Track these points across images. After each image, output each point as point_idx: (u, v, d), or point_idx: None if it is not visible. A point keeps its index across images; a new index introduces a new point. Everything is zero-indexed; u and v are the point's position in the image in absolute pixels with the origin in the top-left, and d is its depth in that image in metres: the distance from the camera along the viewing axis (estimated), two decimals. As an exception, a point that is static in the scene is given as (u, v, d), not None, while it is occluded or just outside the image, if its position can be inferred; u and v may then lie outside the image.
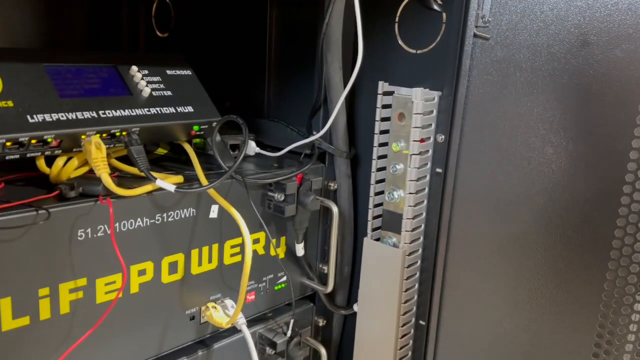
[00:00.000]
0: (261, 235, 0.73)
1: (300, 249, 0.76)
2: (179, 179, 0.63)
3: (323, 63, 0.71)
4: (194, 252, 0.66)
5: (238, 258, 0.71)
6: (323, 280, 0.82)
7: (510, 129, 0.67)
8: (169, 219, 0.63)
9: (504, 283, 0.72)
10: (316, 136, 0.72)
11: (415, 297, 0.81)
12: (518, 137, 0.67)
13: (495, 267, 0.72)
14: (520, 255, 0.70)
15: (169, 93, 0.66)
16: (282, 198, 0.70)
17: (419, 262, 0.79)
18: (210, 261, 0.68)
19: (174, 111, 0.65)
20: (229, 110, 0.73)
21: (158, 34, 1.11)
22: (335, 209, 0.75)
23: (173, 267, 0.65)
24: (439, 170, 0.74)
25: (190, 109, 0.66)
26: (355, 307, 0.83)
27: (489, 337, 0.74)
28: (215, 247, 0.68)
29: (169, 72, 0.68)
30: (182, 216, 0.64)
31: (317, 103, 0.79)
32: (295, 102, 0.87)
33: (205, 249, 0.67)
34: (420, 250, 0.79)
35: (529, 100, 0.66)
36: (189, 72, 0.70)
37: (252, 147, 0.77)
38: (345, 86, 0.70)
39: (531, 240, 0.69)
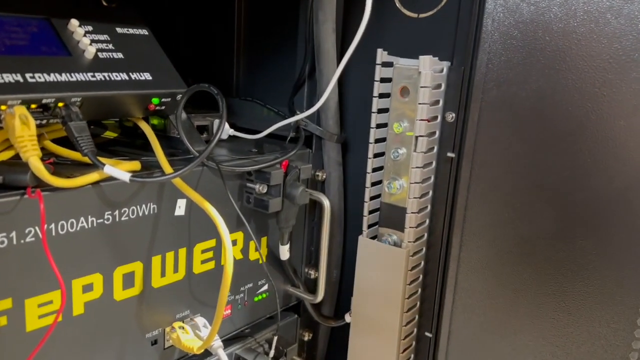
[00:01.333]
0: (238, 236, 0.59)
1: (285, 252, 0.63)
2: (135, 165, 0.49)
3: (313, 24, 0.59)
4: (156, 260, 0.52)
5: (211, 265, 0.57)
6: (310, 287, 0.70)
7: (537, 102, 0.57)
8: (123, 218, 0.48)
9: (527, 287, 0.61)
10: (303, 115, 0.59)
11: (418, 304, 0.69)
12: (546, 113, 0.56)
13: (516, 268, 0.61)
14: (546, 254, 0.60)
15: (120, 55, 0.51)
16: (265, 190, 0.57)
17: (422, 264, 0.68)
18: (176, 270, 0.54)
19: (127, 78, 0.50)
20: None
21: (103, 2, 0.94)
22: (326, 203, 0.62)
23: (129, 280, 0.50)
24: (450, 154, 0.62)
25: (147, 76, 0.52)
26: (347, 318, 0.71)
27: (508, 349, 0.63)
28: (182, 252, 0.54)
29: (119, 30, 0.53)
30: (140, 214, 0.49)
31: (302, 76, 0.66)
32: (273, 76, 0.73)
33: (169, 256, 0.53)
34: (424, 250, 0.67)
35: (560, 68, 0.55)
36: (144, 32, 0.55)
37: (225, 129, 0.63)
38: (340, 54, 0.57)
39: (561, 236, 0.58)
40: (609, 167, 0.55)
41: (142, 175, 0.47)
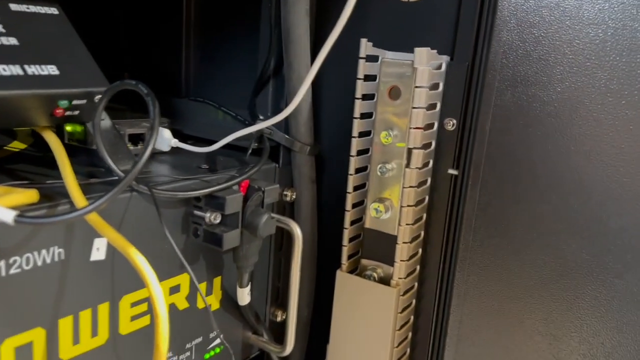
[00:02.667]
0: (182, 280, 0.46)
1: (244, 296, 0.49)
2: (29, 196, 0.34)
3: (280, 4, 0.45)
4: (65, 324, 0.38)
5: (145, 321, 0.43)
6: (276, 331, 0.56)
7: (563, 108, 0.45)
8: (12, 271, 0.34)
9: (546, 331, 0.50)
10: (268, 122, 0.46)
11: (408, 351, 0.57)
12: (575, 121, 0.45)
13: (533, 307, 0.49)
14: (571, 292, 0.48)
15: (13, 41, 0.37)
16: (219, 220, 0.43)
17: (413, 303, 0.56)
18: (95, 333, 0.40)
19: (21, 73, 0.36)
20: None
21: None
22: (297, 232, 0.49)
23: (24, 354, 0.36)
24: (452, 171, 0.50)
25: (52, 70, 0.38)
26: (322, 368, 0.58)
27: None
28: (103, 308, 0.40)
29: (14, 6, 0.39)
30: (39, 263, 0.35)
31: (266, 71, 0.52)
32: (231, 71, 0.60)
33: (84, 315, 0.39)
34: (415, 286, 0.55)
35: (592, 65, 0.44)
36: (53, 11, 0.41)
37: (165, 138, 0.49)
38: (314, 43, 0.44)
39: (592, 271, 0.47)
40: (655, 191, 0.44)
41: (35, 211, 0.33)
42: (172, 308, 0.45)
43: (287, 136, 0.52)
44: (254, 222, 0.44)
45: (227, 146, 0.53)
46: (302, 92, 0.42)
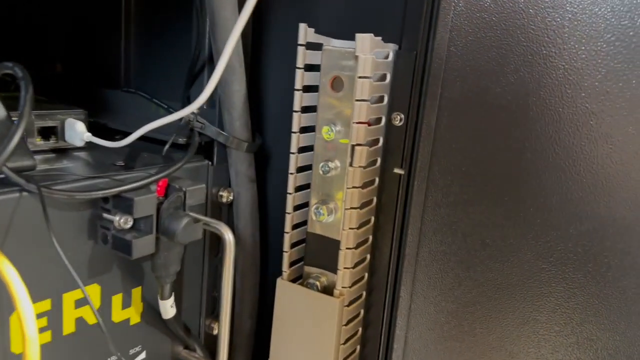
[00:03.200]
0: (93, 290, 0.41)
1: (167, 309, 0.44)
2: None
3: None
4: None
5: (46, 337, 0.38)
6: (212, 345, 0.51)
7: (517, 100, 0.41)
8: None
9: (500, 346, 0.45)
10: (188, 110, 0.41)
11: (357, 365, 0.52)
12: (530, 115, 0.40)
13: (487, 320, 0.45)
14: (527, 304, 0.44)
15: None
16: (130, 224, 0.38)
17: (361, 314, 0.51)
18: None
19: None
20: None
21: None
22: (229, 237, 0.44)
23: None
24: (398, 170, 0.46)
25: None
26: (264, 384, 0.53)
27: None
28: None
29: None
30: None
31: (198, 61, 0.48)
32: (168, 61, 0.55)
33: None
34: (363, 295, 0.51)
35: (549, 54, 0.40)
36: None
37: (78, 132, 0.44)
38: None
39: (545, 281, 0.43)
40: (614, 190, 0.39)
41: None
42: (81, 323, 0.40)
43: (220, 131, 0.47)
44: (172, 226, 0.39)
45: (158, 142, 0.48)
46: (216, 76, 0.37)
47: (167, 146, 0.44)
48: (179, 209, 0.40)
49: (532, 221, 0.43)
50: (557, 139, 0.40)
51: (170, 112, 0.51)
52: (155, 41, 0.58)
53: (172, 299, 0.44)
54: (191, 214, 0.41)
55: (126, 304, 0.43)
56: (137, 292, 0.44)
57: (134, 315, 0.44)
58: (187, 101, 0.50)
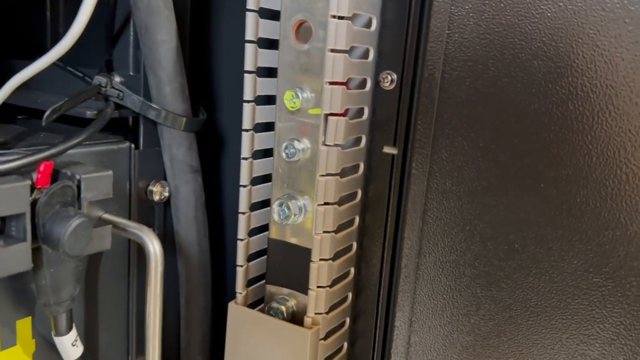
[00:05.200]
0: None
1: (67, 348, 0.31)
2: None
3: None
4: None
5: None
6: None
7: (567, 34, 0.28)
8: None
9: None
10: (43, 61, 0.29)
11: (340, 417, 0.39)
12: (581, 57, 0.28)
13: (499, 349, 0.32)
14: (548, 336, 0.31)
15: None
16: (-10, 226, 0.25)
17: (344, 348, 0.38)
18: None
19: None
20: None
21: None
22: (153, 247, 0.31)
23: None
24: (389, 149, 0.33)
25: None
26: None
27: None
28: None
29: None
30: None
31: (116, 12, 0.36)
32: (91, 24, 0.43)
33: None
34: (347, 324, 0.38)
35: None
36: None
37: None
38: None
39: (608, 292, 0.30)
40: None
41: None
42: None
43: (147, 102, 0.34)
44: (55, 231, 0.26)
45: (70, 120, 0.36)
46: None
47: (46, 116, 0.30)
48: (67, 207, 0.27)
49: (579, 216, 0.30)
50: (619, 89, 0.27)
51: (86, 81, 0.38)
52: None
53: (73, 334, 0.31)
54: (90, 213, 0.28)
55: (8, 342, 0.30)
56: (24, 326, 0.31)
57: (20, 357, 0.31)
58: (111, 66, 0.37)
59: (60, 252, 0.27)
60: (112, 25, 0.37)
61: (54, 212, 0.27)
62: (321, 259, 0.34)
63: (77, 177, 0.28)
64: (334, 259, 0.35)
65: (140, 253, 0.37)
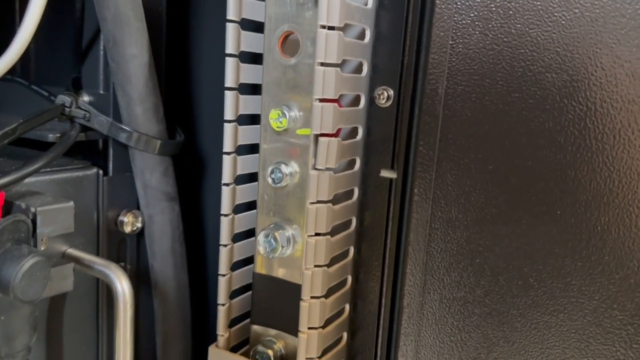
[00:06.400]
0: None
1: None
2: None
3: None
4: None
5: None
6: None
7: (582, 46, 0.25)
8: None
9: None
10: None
11: None
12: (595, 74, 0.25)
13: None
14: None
15: None
16: None
17: (340, 394, 0.34)
18: None
19: None
20: None
21: None
22: (121, 285, 0.27)
23: None
24: (386, 173, 0.30)
25: None
26: None
27: None
28: None
29: None
30: None
31: (84, 28, 0.32)
32: (58, 39, 0.39)
33: None
34: (342, 367, 0.34)
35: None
36: None
37: None
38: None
39: (636, 331, 0.27)
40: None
41: None
42: None
43: (116, 123, 0.31)
44: (5, 273, 0.23)
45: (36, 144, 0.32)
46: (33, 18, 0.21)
47: (5, 141, 0.27)
48: (20, 244, 0.24)
49: (600, 246, 0.27)
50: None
51: (51, 100, 0.35)
52: (59, 22, 0.43)
53: (24, 390, 0.27)
54: (48, 250, 0.25)
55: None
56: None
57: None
58: (79, 84, 0.34)
59: (12, 297, 0.23)
60: (79, 39, 0.33)
61: (4, 250, 0.23)
62: (312, 297, 0.30)
63: (33, 209, 0.24)
64: (326, 295, 0.31)
65: (109, 293, 0.34)
